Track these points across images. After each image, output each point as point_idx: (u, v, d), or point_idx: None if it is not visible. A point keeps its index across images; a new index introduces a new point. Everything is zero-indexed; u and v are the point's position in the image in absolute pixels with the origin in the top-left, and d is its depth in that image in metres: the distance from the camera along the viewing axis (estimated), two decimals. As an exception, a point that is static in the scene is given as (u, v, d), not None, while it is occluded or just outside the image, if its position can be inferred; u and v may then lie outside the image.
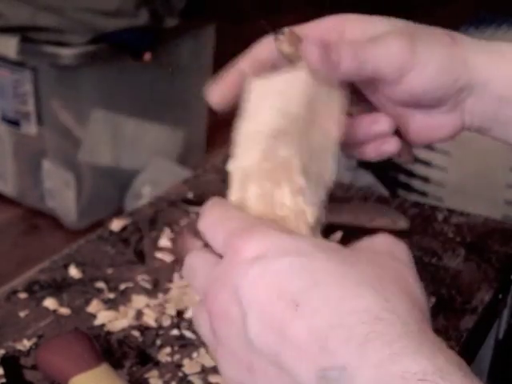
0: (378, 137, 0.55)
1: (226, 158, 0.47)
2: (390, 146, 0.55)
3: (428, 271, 0.81)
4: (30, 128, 2.03)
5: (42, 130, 2.02)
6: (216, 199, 0.47)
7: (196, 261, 0.45)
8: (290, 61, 0.52)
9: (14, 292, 0.77)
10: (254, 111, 0.49)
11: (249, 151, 0.47)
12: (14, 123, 2.05)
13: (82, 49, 1.88)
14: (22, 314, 0.74)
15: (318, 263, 0.40)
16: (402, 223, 0.88)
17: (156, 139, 2.20)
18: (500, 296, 0.80)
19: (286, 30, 0.52)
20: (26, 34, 1.90)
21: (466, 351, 0.72)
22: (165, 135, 2.22)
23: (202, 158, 2.38)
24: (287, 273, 0.39)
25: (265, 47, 0.55)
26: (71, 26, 1.88)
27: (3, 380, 0.66)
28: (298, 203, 0.46)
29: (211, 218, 0.45)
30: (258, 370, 0.40)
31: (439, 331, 0.72)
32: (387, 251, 0.43)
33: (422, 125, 0.56)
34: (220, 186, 0.94)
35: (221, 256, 0.43)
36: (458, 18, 2.19)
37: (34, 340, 0.70)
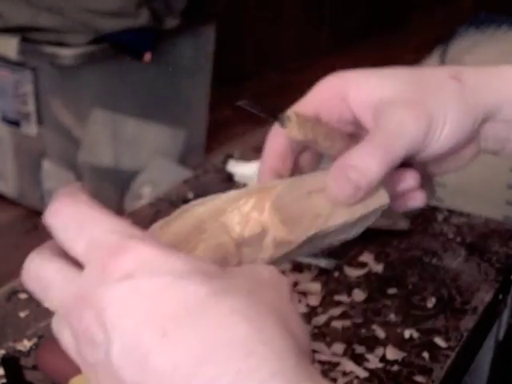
0: (405, 192, 0.55)
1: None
2: (416, 201, 0.55)
3: (428, 271, 0.81)
4: (30, 128, 2.03)
5: (42, 130, 2.02)
6: (74, 187, 0.41)
7: (46, 269, 0.40)
8: (307, 142, 0.51)
9: (15, 292, 0.77)
10: None
11: None
12: (14, 123, 2.05)
13: (82, 49, 1.88)
14: (22, 315, 0.74)
15: (190, 288, 0.36)
16: (402, 223, 0.88)
17: (156, 139, 2.20)
18: (500, 296, 0.80)
19: (290, 114, 0.50)
20: (26, 34, 1.90)
21: (466, 351, 0.72)
22: (165, 135, 2.22)
23: (201, 158, 2.38)
24: (159, 295, 0.36)
25: (277, 138, 0.54)
26: (71, 26, 1.88)
27: (3, 380, 0.66)
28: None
29: (68, 214, 0.41)
30: None
31: (439, 331, 0.72)
32: (268, 281, 0.39)
33: (444, 160, 0.56)
34: (220, 186, 0.94)
35: (78, 264, 0.38)
36: (458, 18, 2.19)
37: (35, 340, 0.70)
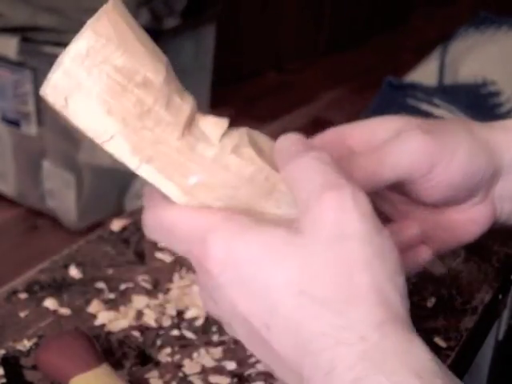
0: (408, 245, 0.52)
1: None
2: (423, 254, 0.52)
3: (428, 271, 0.81)
4: (30, 128, 2.03)
5: (42, 130, 2.02)
6: (154, 193, 0.46)
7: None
8: None
9: (14, 292, 0.77)
10: None
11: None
12: (14, 123, 2.05)
13: (82, 49, 1.88)
14: (22, 314, 0.74)
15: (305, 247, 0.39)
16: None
17: (156, 139, 2.20)
18: (500, 296, 0.80)
19: None
20: (26, 34, 1.90)
21: (466, 351, 0.72)
22: (165, 135, 2.22)
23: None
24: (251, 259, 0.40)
25: None
26: (71, 26, 1.88)
27: (3, 380, 0.66)
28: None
29: (159, 222, 0.45)
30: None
31: (439, 331, 0.72)
32: (335, 231, 0.39)
33: (454, 224, 0.53)
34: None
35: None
36: (458, 18, 2.19)
37: (35, 340, 0.70)
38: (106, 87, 0.43)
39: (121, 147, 0.45)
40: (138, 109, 0.44)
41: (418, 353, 0.38)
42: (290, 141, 0.45)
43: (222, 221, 0.42)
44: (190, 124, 0.45)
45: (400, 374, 0.36)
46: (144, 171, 0.45)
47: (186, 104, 0.46)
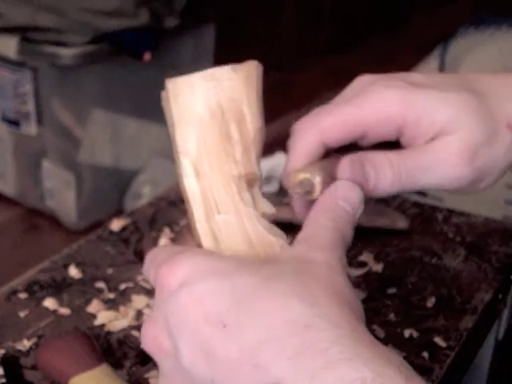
0: None
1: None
2: (403, 223, 0.54)
3: (428, 271, 0.81)
4: (30, 128, 2.03)
5: (42, 129, 2.02)
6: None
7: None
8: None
9: (14, 292, 0.77)
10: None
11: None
12: (14, 123, 2.05)
13: (81, 49, 1.88)
14: (21, 314, 0.74)
15: (239, 281, 0.39)
16: (402, 223, 0.88)
17: (156, 139, 2.20)
18: (500, 296, 0.80)
19: (316, 182, 0.47)
20: (25, 34, 1.90)
21: (466, 351, 0.72)
22: (165, 135, 2.21)
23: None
24: (210, 294, 0.39)
25: (307, 137, 0.50)
26: (71, 25, 1.88)
27: (3, 380, 0.66)
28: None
29: (147, 259, 0.45)
30: None
31: (439, 331, 0.72)
32: (316, 259, 0.41)
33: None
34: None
35: None
36: (458, 17, 2.19)
37: (34, 340, 0.70)
38: (209, 107, 0.47)
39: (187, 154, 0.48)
40: (222, 135, 0.47)
41: (392, 351, 0.38)
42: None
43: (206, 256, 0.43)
44: (251, 179, 0.48)
45: (378, 365, 0.35)
46: (191, 183, 0.47)
47: (257, 166, 0.48)
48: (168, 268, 0.41)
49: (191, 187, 0.47)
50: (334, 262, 0.41)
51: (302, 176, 0.47)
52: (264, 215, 0.47)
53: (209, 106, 0.47)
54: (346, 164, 0.48)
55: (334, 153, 0.51)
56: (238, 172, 0.47)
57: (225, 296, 0.39)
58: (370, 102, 0.50)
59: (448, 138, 0.50)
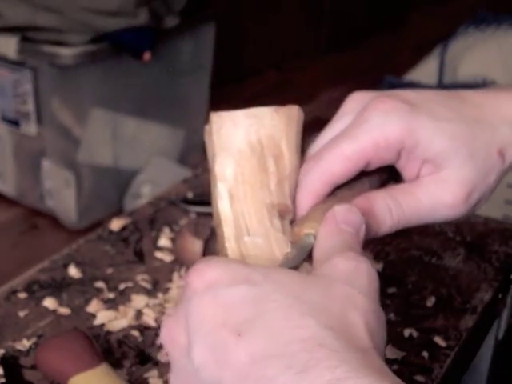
0: None
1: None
2: None
3: (428, 271, 0.81)
4: (30, 128, 2.03)
5: (42, 129, 2.02)
6: None
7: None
8: None
9: (14, 292, 0.77)
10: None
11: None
12: (14, 123, 2.05)
13: (81, 49, 1.88)
14: (21, 314, 0.74)
15: (265, 294, 0.40)
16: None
17: (156, 139, 2.20)
18: (500, 296, 0.80)
19: (313, 233, 0.49)
20: (25, 33, 1.90)
21: (466, 351, 0.72)
22: (165, 135, 2.22)
23: (201, 157, 2.37)
24: (234, 302, 0.40)
25: (313, 177, 0.51)
26: (71, 25, 1.88)
27: (3, 380, 0.66)
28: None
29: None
30: None
31: (439, 330, 0.72)
32: (345, 278, 0.42)
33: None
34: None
35: None
36: (458, 17, 2.19)
37: (34, 340, 0.70)
38: (249, 141, 0.50)
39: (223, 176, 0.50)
40: (259, 166, 0.49)
41: (399, 380, 0.38)
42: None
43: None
44: (283, 210, 0.49)
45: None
46: (224, 205, 0.49)
47: (289, 200, 0.50)
48: (198, 269, 0.42)
49: (224, 209, 0.49)
50: (360, 280, 0.42)
51: (305, 231, 0.48)
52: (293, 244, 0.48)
53: (249, 140, 0.50)
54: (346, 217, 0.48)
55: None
56: (271, 201, 0.49)
57: (246, 306, 0.40)
58: (369, 132, 0.50)
59: (441, 176, 0.51)
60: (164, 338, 0.43)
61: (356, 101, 0.54)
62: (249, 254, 0.48)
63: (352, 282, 0.42)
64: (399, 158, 0.51)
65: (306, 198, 0.51)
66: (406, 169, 0.52)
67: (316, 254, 0.46)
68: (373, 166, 0.51)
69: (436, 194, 0.51)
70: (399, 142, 0.50)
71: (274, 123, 0.50)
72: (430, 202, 0.51)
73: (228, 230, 0.48)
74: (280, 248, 0.47)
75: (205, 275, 0.42)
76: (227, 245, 0.48)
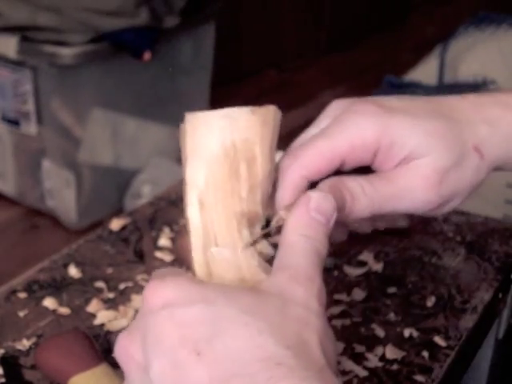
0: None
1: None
2: (402, 222, 0.56)
3: (428, 271, 0.81)
4: (30, 128, 2.03)
5: (42, 129, 2.02)
6: None
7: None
8: None
9: (14, 292, 0.77)
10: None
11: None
12: (14, 123, 2.05)
13: (81, 48, 1.88)
14: (21, 314, 0.74)
15: (222, 312, 0.40)
16: (402, 221, 0.88)
17: (156, 138, 2.20)
18: (500, 295, 0.80)
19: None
20: (25, 33, 1.90)
21: (466, 350, 0.72)
22: (165, 135, 2.22)
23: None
24: (191, 321, 0.40)
25: (293, 173, 0.52)
26: (71, 25, 1.88)
27: (3, 380, 0.66)
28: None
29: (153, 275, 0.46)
30: None
31: (439, 330, 0.72)
32: (299, 300, 0.43)
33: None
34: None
35: None
36: (458, 16, 2.19)
37: (34, 340, 0.70)
38: (222, 145, 0.48)
39: (193, 184, 0.49)
40: (231, 172, 0.48)
41: None
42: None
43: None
44: (253, 218, 0.49)
45: None
46: (193, 212, 0.48)
47: (260, 207, 0.49)
48: (154, 286, 0.42)
49: (193, 217, 0.48)
50: (312, 302, 0.43)
51: (285, 215, 0.48)
52: (261, 254, 0.48)
53: (223, 144, 0.48)
54: (324, 189, 0.49)
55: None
56: (241, 209, 0.48)
57: (204, 326, 0.40)
58: (344, 131, 0.52)
59: (416, 163, 0.51)
60: (119, 354, 0.43)
61: (336, 105, 0.55)
62: (215, 266, 0.47)
63: (306, 303, 0.43)
64: (374, 158, 0.52)
65: (287, 194, 0.51)
66: (384, 167, 0.53)
67: (282, 243, 0.46)
68: (348, 166, 0.52)
69: (409, 179, 0.51)
70: (375, 142, 0.51)
71: (249, 125, 0.48)
72: (404, 186, 0.51)
73: (196, 240, 0.48)
74: (247, 260, 0.47)
75: (160, 293, 0.42)
76: (193, 255, 0.47)
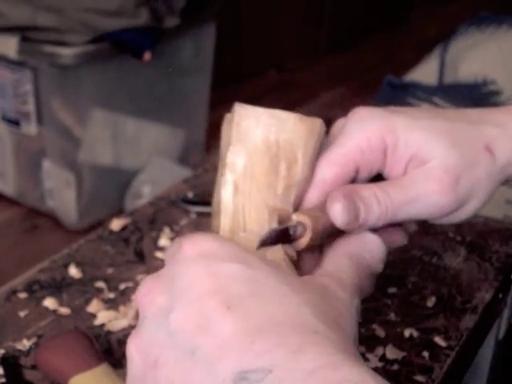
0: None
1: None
2: (399, 238, 0.54)
3: (428, 271, 0.81)
4: (30, 128, 2.03)
5: (42, 129, 2.02)
6: None
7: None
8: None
9: (14, 292, 0.77)
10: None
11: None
12: (14, 123, 2.05)
13: (82, 48, 1.88)
14: (21, 314, 0.74)
15: (261, 277, 0.40)
16: (411, 227, 0.88)
17: (156, 139, 2.20)
18: (500, 295, 0.80)
19: (305, 221, 0.48)
20: (25, 33, 1.90)
21: (466, 351, 0.72)
22: (165, 135, 2.22)
23: (201, 157, 2.38)
24: (228, 276, 0.39)
25: (330, 168, 0.51)
26: (71, 25, 1.88)
27: (3, 380, 0.66)
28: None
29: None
30: (167, 365, 0.39)
31: (439, 330, 0.72)
32: (333, 293, 0.43)
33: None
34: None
35: None
36: (458, 16, 2.19)
37: (34, 340, 0.70)
38: (266, 140, 0.49)
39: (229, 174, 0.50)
40: (271, 167, 0.49)
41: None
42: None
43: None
44: (283, 216, 0.49)
45: (379, 376, 0.36)
46: (227, 195, 0.48)
47: (292, 207, 0.49)
48: (194, 238, 0.41)
49: (226, 198, 0.48)
50: (352, 308, 0.43)
51: (295, 218, 0.49)
52: (286, 253, 0.48)
53: (267, 138, 0.49)
54: (338, 198, 0.48)
55: None
56: (274, 204, 0.48)
57: (240, 283, 0.39)
58: (351, 137, 0.52)
59: (426, 167, 0.51)
60: (141, 295, 0.41)
61: (340, 121, 0.55)
62: None
63: (346, 304, 0.43)
64: (385, 161, 0.52)
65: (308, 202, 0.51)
66: (394, 172, 0.52)
67: (329, 258, 0.46)
68: (363, 173, 0.52)
69: (423, 183, 0.50)
70: (381, 141, 0.51)
71: (295, 129, 0.49)
72: (417, 191, 0.50)
73: (225, 221, 0.48)
74: (273, 253, 0.46)
75: (200, 245, 0.41)
76: (221, 234, 0.47)
